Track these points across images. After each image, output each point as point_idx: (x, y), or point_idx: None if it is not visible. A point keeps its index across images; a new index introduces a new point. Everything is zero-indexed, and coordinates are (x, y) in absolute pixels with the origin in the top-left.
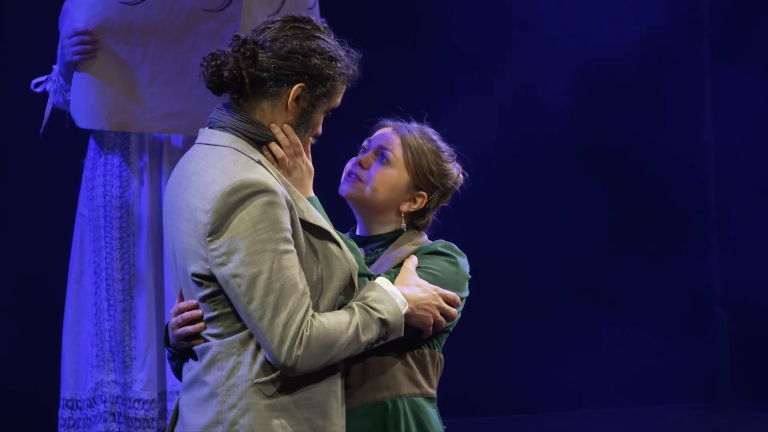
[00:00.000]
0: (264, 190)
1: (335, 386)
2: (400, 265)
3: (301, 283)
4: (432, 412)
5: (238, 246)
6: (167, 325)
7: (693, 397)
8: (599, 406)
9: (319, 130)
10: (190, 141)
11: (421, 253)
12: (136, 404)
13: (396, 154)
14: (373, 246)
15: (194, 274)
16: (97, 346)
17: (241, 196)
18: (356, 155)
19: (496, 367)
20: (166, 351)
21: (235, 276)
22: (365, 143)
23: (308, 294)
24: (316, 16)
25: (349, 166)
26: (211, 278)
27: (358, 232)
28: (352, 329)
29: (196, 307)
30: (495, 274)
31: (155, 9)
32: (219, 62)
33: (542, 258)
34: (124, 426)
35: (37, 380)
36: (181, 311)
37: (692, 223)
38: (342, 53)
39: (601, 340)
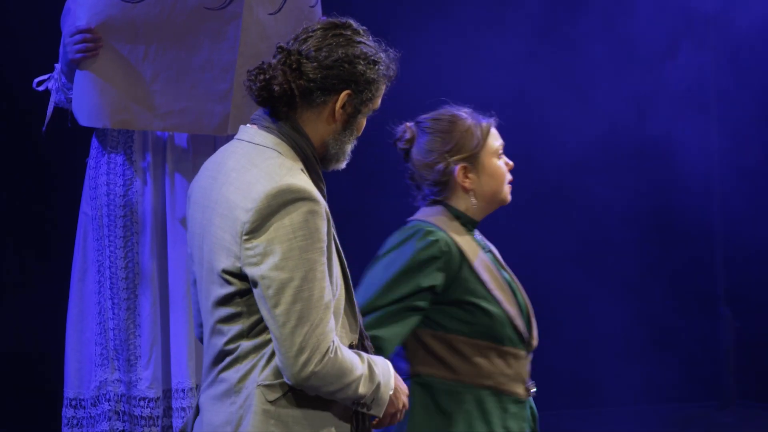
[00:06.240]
0: (308, 198)
1: (336, 424)
2: None
3: (328, 297)
4: None
5: (275, 249)
6: None
7: (698, 395)
8: (605, 405)
9: (361, 131)
10: (193, 140)
11: None
12: (141, 402)
13: None
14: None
15: (223, 270)
16: (101, 345)
17: (286, 200)
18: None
19: None
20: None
21: (265, 278)
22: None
23: (331, 307)
24: (317, 15)
25: (509, 173)
26: (239, 276)
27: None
28: (359, 372)
29: None
30: None
31: (157, 7)
32: (268, 76)
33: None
34: (129, 424)
35: (41, 379)
36: None
37: (697, 220)
38: (382, 55)
39: (605, 339)
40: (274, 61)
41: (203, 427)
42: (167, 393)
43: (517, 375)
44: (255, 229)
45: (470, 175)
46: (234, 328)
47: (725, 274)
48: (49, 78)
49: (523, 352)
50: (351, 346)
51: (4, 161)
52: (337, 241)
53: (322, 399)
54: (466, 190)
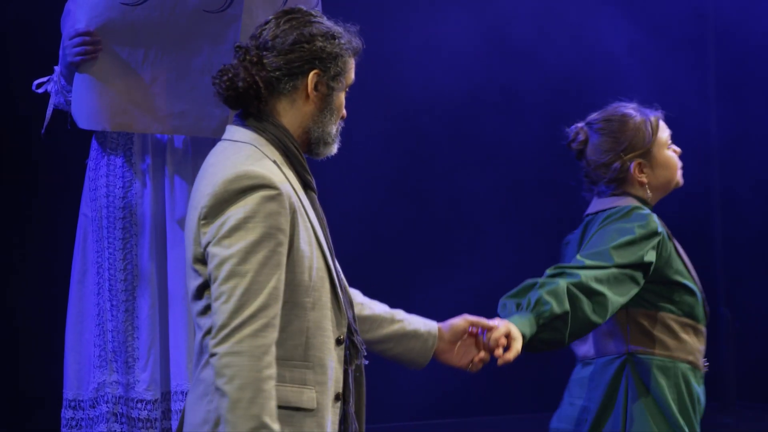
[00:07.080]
0: (267, 185)
1: (319, 425)
2: None
3: (269, 283)
4: None
5: (225, 229)
6: None
7: None
8: None
9: (344, 112)
10: (192, 142)
11: None
12: (139, 405)
13: None
14: None
15: (192, 260)
16: (99, 347)
17: (243, 186)
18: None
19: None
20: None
21: (211, 254)
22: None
23: (273, 297)
24: None
25: (679, 160)
26: (204, 262)
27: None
28: (266, 422)
29: None
30: None
31: (157, 10)
32: (230, 75)
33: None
34: (127, 426)
35: (41, 379)
36: None
37: (694, 221)
38: (340, 29)
39: None
40: (235, 61)
41: (185, 427)
42: (166, 395)
43: (702, 352)
44: (211, 214)
45: (645, 170)
46: (208, 321)
47: (725, 274)
48: (48, 80)
49: (704, 330)
50: (339, 341)
51: (3, 162)
52: (319, 234)
53: (307, 396)
54: (641, 184)
